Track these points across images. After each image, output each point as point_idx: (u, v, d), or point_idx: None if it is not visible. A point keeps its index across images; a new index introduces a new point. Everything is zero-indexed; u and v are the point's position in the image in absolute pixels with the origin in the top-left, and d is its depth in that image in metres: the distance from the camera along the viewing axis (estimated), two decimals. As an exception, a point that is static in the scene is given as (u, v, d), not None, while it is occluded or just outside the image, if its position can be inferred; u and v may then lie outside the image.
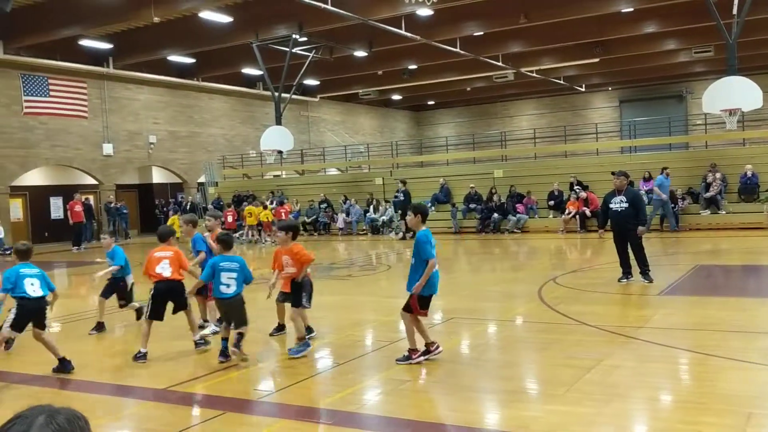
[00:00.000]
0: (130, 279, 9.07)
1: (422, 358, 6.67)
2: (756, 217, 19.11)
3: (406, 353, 6.70)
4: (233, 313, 7.08)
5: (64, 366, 6.98)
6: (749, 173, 20.19)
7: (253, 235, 24.28)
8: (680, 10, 22.70)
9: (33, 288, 6.86)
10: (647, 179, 21.48)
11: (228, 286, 6.98)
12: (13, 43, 23.46)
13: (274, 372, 6.96)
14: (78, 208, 23.91)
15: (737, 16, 17.82)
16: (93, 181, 28.15)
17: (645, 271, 10.76)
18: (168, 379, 6.62)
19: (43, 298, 7.02)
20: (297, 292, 7.36)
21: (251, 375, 6.82)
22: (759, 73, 30.05)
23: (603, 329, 7.76)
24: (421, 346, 6.76)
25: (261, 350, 7.68)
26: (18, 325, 6.95)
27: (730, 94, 17.75)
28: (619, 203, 10.71)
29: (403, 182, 23.94)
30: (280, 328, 8.21)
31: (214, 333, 8.27)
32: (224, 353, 7.06)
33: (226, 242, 7.30)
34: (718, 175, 20.41)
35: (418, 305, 6.63)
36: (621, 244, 10.86)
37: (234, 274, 7.00)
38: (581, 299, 9.98)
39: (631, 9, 22.59)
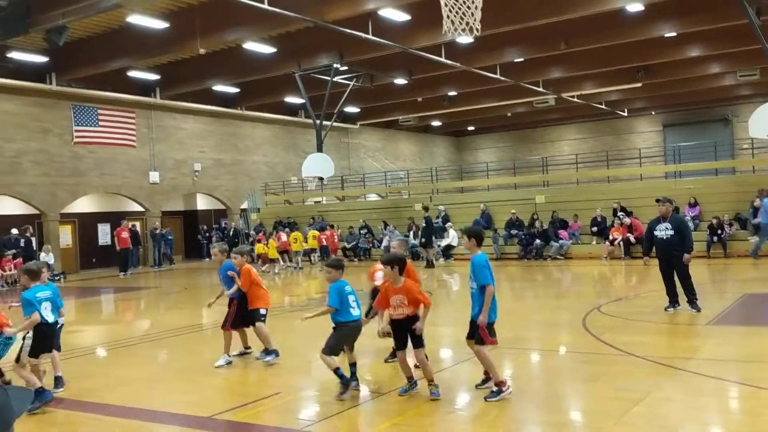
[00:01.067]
0: (61, 320, 7.76)
1: (509, 390, 6.43)
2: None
3: (495, 389, 6.40)
4: (356, 336, 6.98)
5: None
6: (800, 198, 19.64)
7: (297, 262, 24.00)
8: (725, 34, 22.39)
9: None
10: (693, 205, 21.12)
11: (354, 308, 6.86)
12: (65, 75, 24.31)
13: (317, 401, 6.98)
14: (125, 234, 24.45)
15: (784, 38, 17.53)
16: (140, 208, 28.79)
17: (692, 300, 10.54)
18: (212, 407, 6.69)
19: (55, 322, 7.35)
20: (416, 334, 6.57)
21: (294, 404, 6.85)
22: (808, 95, 29.37)
23: (650, 360, 7.60)
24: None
25: (303, 378, 7.72)
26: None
27: (777, 118, 17.42)
28: (664, 230, 10.55)
29: (426, 208, 23.38)
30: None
31: (228, 363, 8.34)
32: (355, 377, 6.95)
33: (337, 266, 7.03)
34: (766, 200, 19.91)
35: (488, 334, 6.43)
36: (667, 271, 10.67)
37: (354, 296, 6.90)
38: (627, 329, 9.80)
39: (675, 34, 22.36)
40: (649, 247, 11.10)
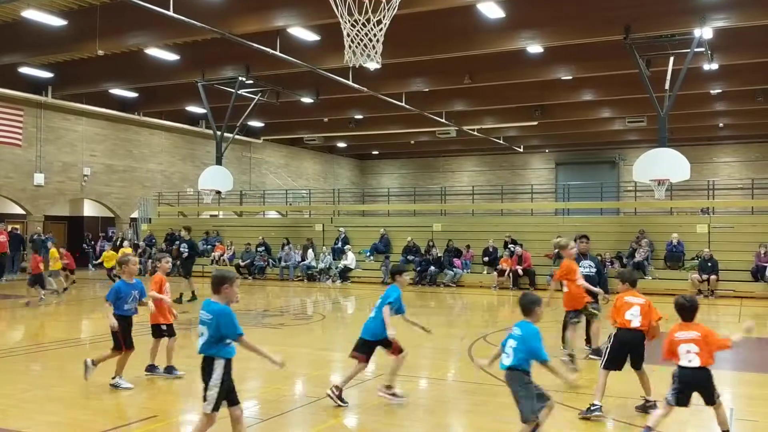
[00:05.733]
0: None
1: None
2: (681, 284, 19.76)
3: None
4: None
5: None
6: (675, 241, 20.98)
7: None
8: (617, 82, 23.78)
9: None
10: (579, 241, 22.04)
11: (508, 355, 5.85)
12: (-53, 65, 22.73)
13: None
14: (2, 237, 22.94)
15: (669, 90, 18.76)
16: (21, 211, 27.16)
17: (590, 340, 10.70)
18: (79, 429, 6.29)
19: None
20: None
21: (169, 429, 6.56)
22: (688, 145, 31.59)
23: (530, 392, 7.79)
24: None
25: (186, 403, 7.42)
26: None
27: (659, 164, 18.51)
28: (588, 267, 10.53)
29: (188, 229, 18.95)
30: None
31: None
32: None
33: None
34: (644, 241, 21.15)
35: None
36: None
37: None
38: (511, 360, 10.02)
39: (570, 77, 23.52)
40: None
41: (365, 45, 7.75)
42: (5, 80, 24.53)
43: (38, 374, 9.22)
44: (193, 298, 16.89)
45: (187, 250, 17.80)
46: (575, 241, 10.92)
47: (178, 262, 17.98)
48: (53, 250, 18.97)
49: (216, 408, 5.03)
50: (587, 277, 10.56)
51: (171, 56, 21.79)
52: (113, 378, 7.88)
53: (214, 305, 5.16)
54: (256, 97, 25.53)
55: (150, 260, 25.96)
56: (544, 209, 29.47)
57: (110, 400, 7.58)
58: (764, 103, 26.17)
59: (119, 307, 7.93)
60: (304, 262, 24.95)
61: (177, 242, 19.74)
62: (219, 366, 5.06)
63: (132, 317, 8.10)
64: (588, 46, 19.67)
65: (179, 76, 23.70)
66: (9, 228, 24.36)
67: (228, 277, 5.29)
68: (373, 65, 7.70)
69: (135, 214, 31.26)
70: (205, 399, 5.03)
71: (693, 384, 5.72)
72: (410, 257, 23.65)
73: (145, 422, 6.61)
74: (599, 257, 20.34)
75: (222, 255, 26.27)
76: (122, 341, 7.90)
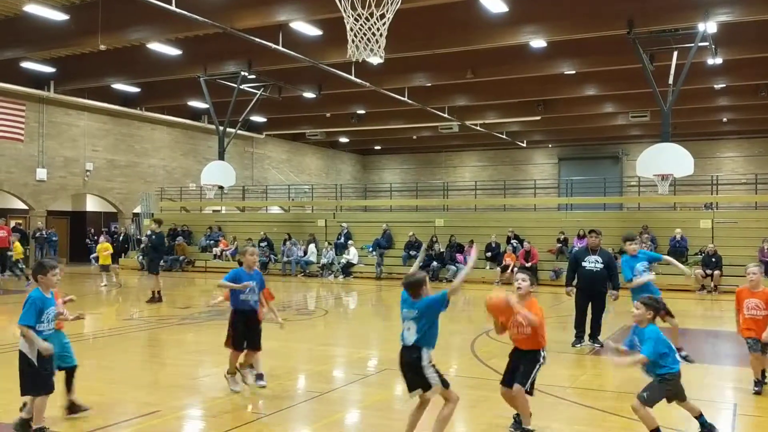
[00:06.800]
0: None
1: None
2: (684, 279, 19.68)
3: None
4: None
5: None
6: (678, 237, 20.93)
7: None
8: (619, 76, 23.69)
9: None
10: (581, 237, 22.01)
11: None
12: (-50, 60, 22.70)
13: (199, 423, 6.70)
14: (2, 233, 22.93)
15: (673, 85, 18.69)
16: (23, 206, 27.19)
17: (596, 335, 10.53)
18: (79, 426, 6.27)
19: None
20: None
21: (172, 423, 6.55)
22: (691, 140, 31.50)
23: (532, 388, 7.77)
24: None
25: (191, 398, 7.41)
26: None
27: (663, 160, 18.45)
28: (594, 263, 10.36)
29: (158, 222, 17.37)
30: None
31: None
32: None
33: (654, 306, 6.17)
34: (645, 236, 21.08)
35: None
36: (585, 304, 10.42)
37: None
38: (513, 355, 10.00)
39: (573, 72, 23.43)
40: (572, 278, 10.75)
41: (368, 39, 7.71)
42: (7, 75, 24.53)
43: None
44: (155, 299, 15.43)
45: (150, 243, 16.51)
46: (631, 242, 10.06)
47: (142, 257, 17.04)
48: None
49: (445, 383, 5.54)
50: (593, 274, 10.42)
51: (173, 51, 21.76)
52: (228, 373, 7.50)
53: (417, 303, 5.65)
54: (259, 92, 25.51)
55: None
56: (547, 205, 29.42)
57: (111, 394, 7.57)
58: (768, 98, 26.09)
59: (235, 298, 7.36)
60: (303, 258, 24.94)
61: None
62: (425, 354, 5.58)
63: (250, 313, 7.48)
64: (591, 41, 19.59)
65: (181, 70, 23.67)
66: (12, 224, 24.37)
67: (423, 279, 5.73)
68: (376, 60, 7.69)
69: (137, 210, 31.29)
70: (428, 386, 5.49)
71: None
72: (412, 252, 23.64)
73: (147, 417, 6.59)
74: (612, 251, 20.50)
75: (224, 250, 26.29)
76: (230, 337, 7.38)
